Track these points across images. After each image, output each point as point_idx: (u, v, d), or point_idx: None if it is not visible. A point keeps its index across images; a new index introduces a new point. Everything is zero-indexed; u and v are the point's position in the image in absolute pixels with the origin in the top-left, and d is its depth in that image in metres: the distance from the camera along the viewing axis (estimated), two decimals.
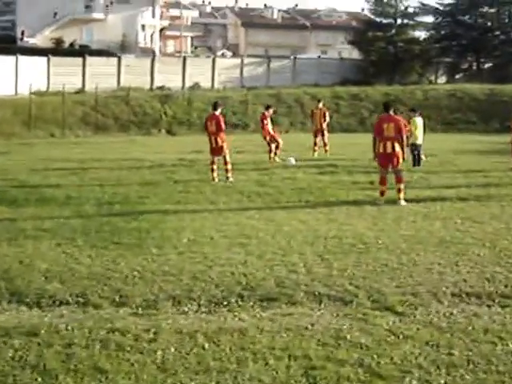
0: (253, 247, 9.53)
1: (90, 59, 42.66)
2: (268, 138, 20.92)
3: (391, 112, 13.74)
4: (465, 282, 7.88)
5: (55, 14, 53.79)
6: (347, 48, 64.40)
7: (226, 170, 16.74)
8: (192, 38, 79.28)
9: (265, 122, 20.83)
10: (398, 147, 13.46)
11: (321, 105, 23.85)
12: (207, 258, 8.88)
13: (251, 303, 7.11)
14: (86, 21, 55.35)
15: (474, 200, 13.83)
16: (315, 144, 22.79)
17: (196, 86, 44.30)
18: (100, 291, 7.50)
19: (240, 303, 7.11)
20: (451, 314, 6.84)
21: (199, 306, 7.05)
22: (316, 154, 22.46)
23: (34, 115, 33.98)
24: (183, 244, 9.74)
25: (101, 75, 41.00)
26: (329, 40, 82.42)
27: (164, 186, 15.65)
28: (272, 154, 20.71)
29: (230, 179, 16.55)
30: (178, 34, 63.41)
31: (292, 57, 53.14)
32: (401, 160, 13.62)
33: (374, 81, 46.33)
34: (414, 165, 19.24)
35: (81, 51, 46.48)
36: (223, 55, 63.98)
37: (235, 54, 65.38)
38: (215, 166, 16.76)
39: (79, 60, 42.18)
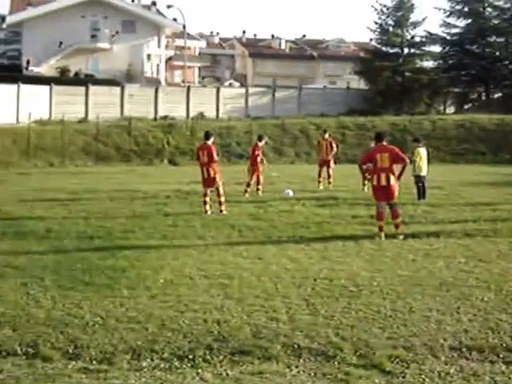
0: (233, 289, 8.67)
1: (93, 88, 42.26)
2: (251, 170, 20.04)
3: (384, 142, 13.02)
4: (465, 333, 6.98)
5: (61, 43, 53.60)
6: (355, 78, 63.85)
7: (220, 203, 15.96)
8: (200, 68, 79.03)
9: (256, 152, 20.00)
10: (393, 179, 12.71)
11: (327, 135, 23.19)
12: (181, 302, 8.02)
13: (220, 357, 6.23)
14: (91, 50, 55.10)
15: (481, 236, 12.90)
16: (319, 175, 22.06)
17: (200, 116, 43.76)
18: (54, 340, 6.66)
19: (207, 357, 6.23)
20: (447, 373, 5.93)
21: (161, 359, 6.19)
22: (321, 185, 21.72)
23: (33, 144, 33.51)
24: (158, 285, 8.89)
25: (104, 104, 40.65)
26: (337, 70, 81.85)
27: (152, 219, 14.85)
28: (259, 186, 19.93)
29: (224, 212, 15.77)
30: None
31: (298, 86, 52.58)
32: (396, 193, 12.86)
33: (382, 111, 45.68)
34: (418, 198, 18.40)
35: (86, 80, 46.08)
36: (231, 85, 63.53)
37: (243, 85, 64.88)
38: (208, 198, 16.03)
39: (82, 89, 41.79)
